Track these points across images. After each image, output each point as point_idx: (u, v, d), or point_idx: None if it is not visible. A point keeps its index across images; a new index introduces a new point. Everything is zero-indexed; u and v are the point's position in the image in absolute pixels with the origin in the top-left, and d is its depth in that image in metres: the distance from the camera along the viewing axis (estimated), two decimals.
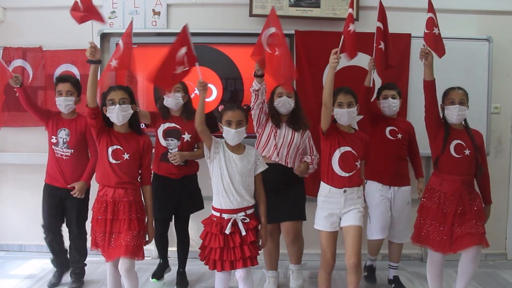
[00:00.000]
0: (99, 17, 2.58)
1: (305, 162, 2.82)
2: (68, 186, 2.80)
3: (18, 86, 2.76)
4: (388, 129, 2.89)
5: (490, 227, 2.63)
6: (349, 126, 2.53)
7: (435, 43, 2.62)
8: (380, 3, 2.96)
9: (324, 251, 2.49)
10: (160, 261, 3.06)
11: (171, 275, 3.07)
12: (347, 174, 2.43)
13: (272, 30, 2.64)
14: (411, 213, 2.91)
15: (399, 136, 2.90)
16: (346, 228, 2.43)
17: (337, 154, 2.44)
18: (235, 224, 2.26)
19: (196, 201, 2.99)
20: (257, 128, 2.87)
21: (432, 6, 2.65)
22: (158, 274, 3.02)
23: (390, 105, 2.88)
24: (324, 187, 2.50)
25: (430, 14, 2.64)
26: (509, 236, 3.73)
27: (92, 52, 2.36)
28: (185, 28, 2.41)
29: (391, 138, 2.89)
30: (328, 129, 2.47)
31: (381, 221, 2.90)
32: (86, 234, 2.92)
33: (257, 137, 2.89)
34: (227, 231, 2.23)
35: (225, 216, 2.27)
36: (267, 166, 2.41)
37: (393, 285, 3.08)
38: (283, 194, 2.77)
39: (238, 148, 2.35)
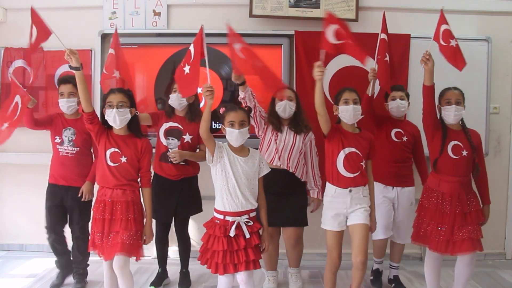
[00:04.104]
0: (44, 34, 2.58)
1: (317, 200, 2.88)
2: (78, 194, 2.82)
3: (31, 107, 2.78)
4: (394, 131, 2.88)
5: (489, 227, 2.64)
6: (353, 126, 2.52)
7: (454, 57, 2.56)
8: (383, 14, 2.97)
9: (330, 251, 2.49)
10: (159, 270, 3.04)
11: (174, 274, 3.08)
12: (352, 175, 2.42)
13: (239, 45, 2.47)
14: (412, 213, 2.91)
15: (404, 138, 2.88)
16: (353, 227, 2.43)
17: (341, 156, 2.42)
18: (238, 227, 2.23)
19: (194, 204, 2.97)
20: (258, 131, 2.88)
21: (444, 17, 2.58)
22: (156, 282, 3.00)
23: (398, 106, 2.87)
24: (329, 188, 2.49)
25: (446, 26, 2.58)
26: (508, 236, 3.74)
27: (70, 59, 2.38)
28: (200, 29, 2.40)
29: (396, 140, 2.88)
30: (329, 131, 2.45)
31: (382, 221, 2.89)
32: (88, 234, 2.92)
33: (260, 142, 2.90)
34: (232, 234, 2.20)
35: (229, 218, 2.23)
36: (270, 169, 2.39)
37: (393, 284, 3.08)
38: (286, 199, 2.79)
39: (242, 151, 2.30)
